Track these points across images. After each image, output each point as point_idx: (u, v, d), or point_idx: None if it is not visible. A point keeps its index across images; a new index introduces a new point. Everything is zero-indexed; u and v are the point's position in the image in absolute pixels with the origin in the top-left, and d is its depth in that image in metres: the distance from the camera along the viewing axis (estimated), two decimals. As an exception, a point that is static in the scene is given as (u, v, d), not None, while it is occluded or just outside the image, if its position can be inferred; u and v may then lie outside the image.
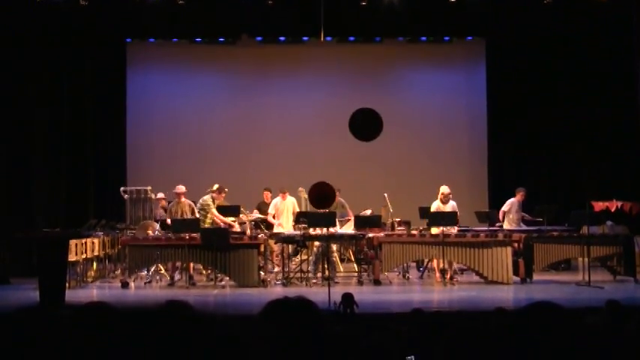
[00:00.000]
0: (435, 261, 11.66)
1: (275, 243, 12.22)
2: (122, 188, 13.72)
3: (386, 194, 12.30)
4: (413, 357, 2.84)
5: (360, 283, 11.18)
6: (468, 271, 11.83)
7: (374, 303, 8.80)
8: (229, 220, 11.81)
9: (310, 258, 11.62)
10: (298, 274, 11.55)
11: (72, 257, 10.31)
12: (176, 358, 1.73)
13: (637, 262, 11.64)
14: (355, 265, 12.20)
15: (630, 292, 10.06)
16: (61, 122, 14.14)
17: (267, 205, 12.81)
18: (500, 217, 12.33)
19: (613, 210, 13.16)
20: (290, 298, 2.08)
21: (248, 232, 11.74)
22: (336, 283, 10.83)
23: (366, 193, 13.64)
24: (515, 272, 11.12)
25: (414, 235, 11.47)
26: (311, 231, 11.24)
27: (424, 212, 11.93)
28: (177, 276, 11.43)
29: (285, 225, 12.08)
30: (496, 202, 13.48)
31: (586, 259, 10.95)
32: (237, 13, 13.98)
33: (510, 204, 12.32)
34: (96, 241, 11.81)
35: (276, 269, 12.20)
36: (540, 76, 15.03)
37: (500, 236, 11.23)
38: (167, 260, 11.34)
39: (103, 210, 13.74)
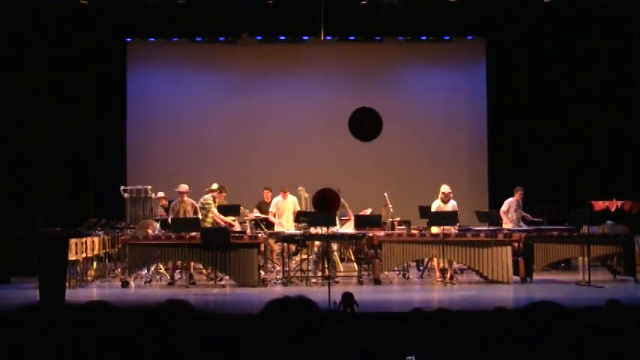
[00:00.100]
0: (435, 260, 11.66)
1: (275, 242, 12.23)
2: (122, 187, 13.71)
3: (386, 194, 12.31)
4: (413, 357, 2.84)
5: (360, 282, 11.19)
6: (468, 270, 11.83)
7: (374, 302, 8.81)
8: (230, 219, 11.81)
9: (310, 257, 11.62)
10: (298, 274, 11.56)
11: (72, 256, 10.31)
12: (176, 357, 1.73)
13: (637, 261, 11.64)
14: (355, 265, 12.21)
15: (630, 292, 10.05)
16: (61, 122, 14.13)
17: (268, 204, 12.81)
18: (503, 218, 12.29)
19: (613, 209, 13.14)
20: (290, 297, 2.07)
21: (248, 231, 11.75)
22: (336, 282, 10.83)
23: (366, 192, 13.62)
24: (516, 272, 11.13)
25: (414, 234, 11.47)
26: (311, 230, 11.25)
27: (424, 211, 11.94)
28: (177, 275, 11.43)
29: (285, 224, 12.08)
30: (496, 202, 13.46)
31: (586, 259, 10.96)
32: (238, 12, 14.00)
33: (509, 203, 12.31)
34: (96, 240, 11.80)
35: (277, 268, 12.21)
36: (540, 76, 15.01)
37: (501, 236, 11.23)
38: (167, 259, 11.35)
39: (103, 209, 13.72)
